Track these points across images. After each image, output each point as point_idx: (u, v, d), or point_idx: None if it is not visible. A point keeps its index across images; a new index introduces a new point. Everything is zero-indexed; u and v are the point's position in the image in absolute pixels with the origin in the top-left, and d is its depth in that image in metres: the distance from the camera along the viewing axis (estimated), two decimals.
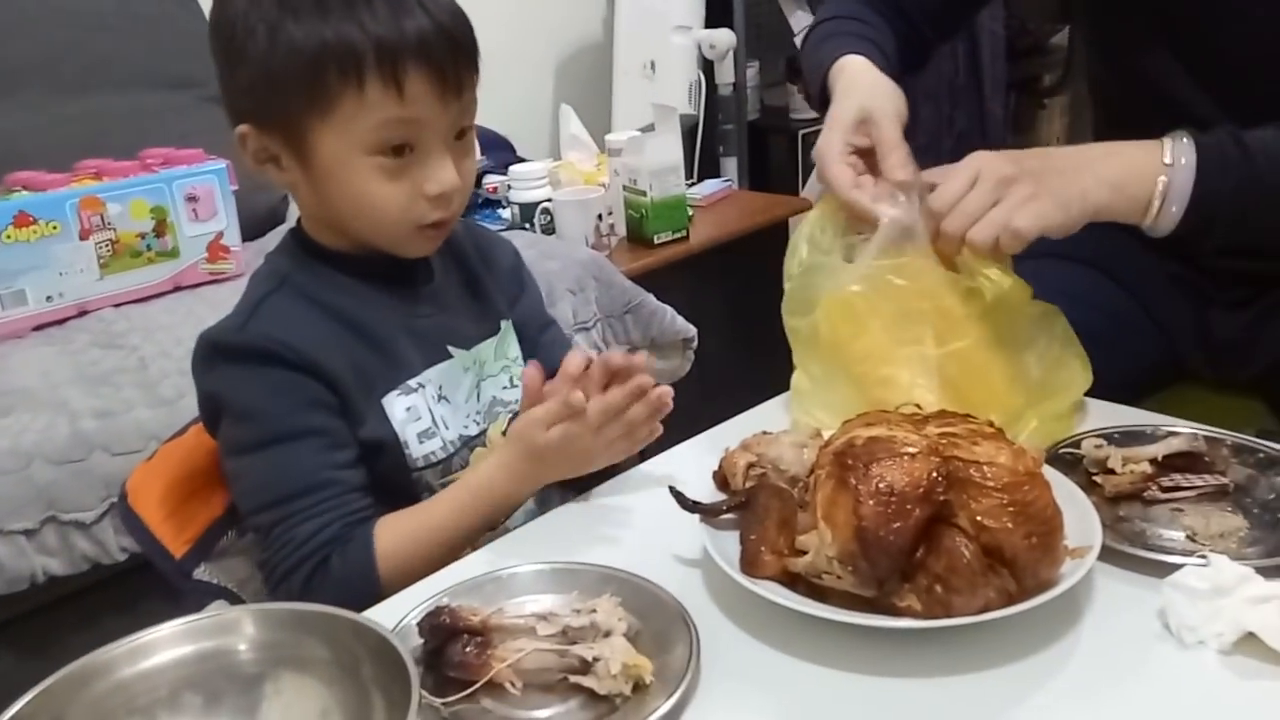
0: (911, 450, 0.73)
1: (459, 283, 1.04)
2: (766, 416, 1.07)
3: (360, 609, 0.73)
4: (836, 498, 0.73)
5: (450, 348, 1.00)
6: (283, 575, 0.88)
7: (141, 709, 0.59)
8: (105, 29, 2.07)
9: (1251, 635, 0.69)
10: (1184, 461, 0.89)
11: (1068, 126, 4.18)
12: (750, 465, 0.87)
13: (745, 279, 2.44)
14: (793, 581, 0.77)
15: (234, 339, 0.92)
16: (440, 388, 0.98)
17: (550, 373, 0.98)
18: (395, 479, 0.96)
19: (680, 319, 2.05)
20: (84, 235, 1.69)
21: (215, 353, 0.92)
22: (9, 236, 1.61)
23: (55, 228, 1.66)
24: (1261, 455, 0.90)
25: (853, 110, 1.06)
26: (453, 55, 0.88)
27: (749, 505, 0.82)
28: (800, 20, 2.78)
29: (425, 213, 0.91)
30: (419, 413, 0.96)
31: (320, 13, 0.85)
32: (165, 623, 0.62)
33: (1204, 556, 0.75)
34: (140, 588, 1.41)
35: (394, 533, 0.90)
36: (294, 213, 2.32)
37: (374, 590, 0.87)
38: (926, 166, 1.05)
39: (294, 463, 0.90)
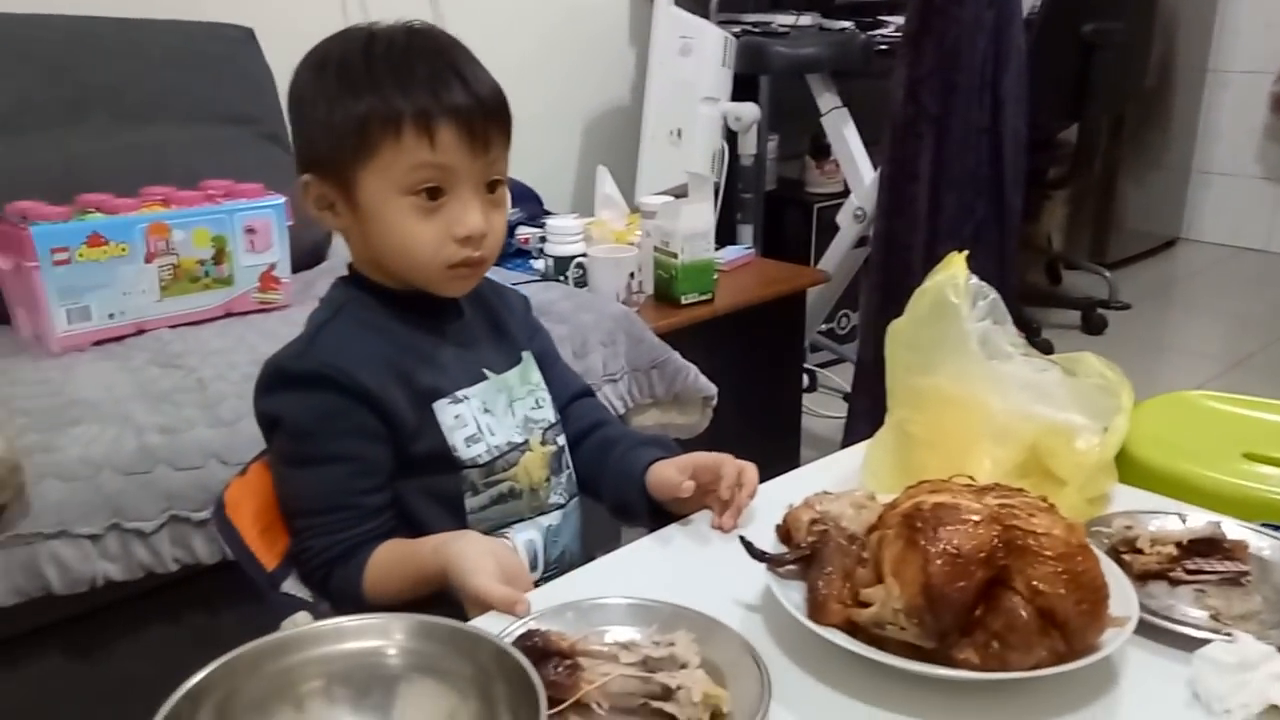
0: (975, 517, 0.81)
1: (484, 321, 1.16)
2: (823, 473, 1.16)
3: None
4: (906, 556, 0.81)
5: (485, 370, 1.11)
6: (307, 573, 1.04)
7: (302, 695, 0.65)
8: (170, 64, 2.14)
9: (1275, 708, 0.77)
10: (1206, 547, 0.98)
11: (1068, 216, 4.33)
12: (813, 521, 0.94)
13: (762, 344, 2.53)
14: (854, 631, 0.84)
15: (294, 365, 1.04)
16: (484, 402, 1.09)
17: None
18: (443, 481, 1.06)
19: (703, 377, 2.12)
20: (149, 258, 1.76)
21: (277, 378, 1.04)
22: (81, 255, 1.68)
23: (124, 249, 1.73)
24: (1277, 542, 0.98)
25: None
26: (482, 116, 1.02)
27: (814, 558, 0.90)
28: (828, 101, 2.88)
29: (454, 253, 1.04)
30: (465, 420, 1.07)
31: (373, 88, 1.00)
32: (330, 619, 0.69)
33: (1229, 634, 0.83)
34: (186, 599, 1.47)
35: (380, 562, 1.01)
36: (335, 251, 2.39)
37: (362, 605, 1.00)
38: (949, 250, 1.11)
39: (323, 483, 1.02)
